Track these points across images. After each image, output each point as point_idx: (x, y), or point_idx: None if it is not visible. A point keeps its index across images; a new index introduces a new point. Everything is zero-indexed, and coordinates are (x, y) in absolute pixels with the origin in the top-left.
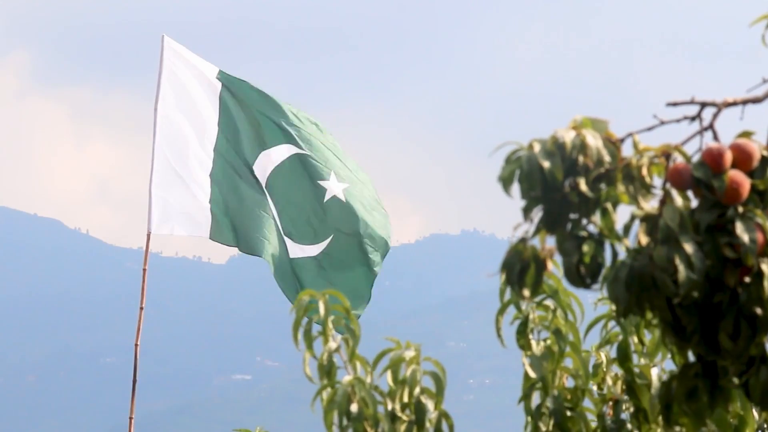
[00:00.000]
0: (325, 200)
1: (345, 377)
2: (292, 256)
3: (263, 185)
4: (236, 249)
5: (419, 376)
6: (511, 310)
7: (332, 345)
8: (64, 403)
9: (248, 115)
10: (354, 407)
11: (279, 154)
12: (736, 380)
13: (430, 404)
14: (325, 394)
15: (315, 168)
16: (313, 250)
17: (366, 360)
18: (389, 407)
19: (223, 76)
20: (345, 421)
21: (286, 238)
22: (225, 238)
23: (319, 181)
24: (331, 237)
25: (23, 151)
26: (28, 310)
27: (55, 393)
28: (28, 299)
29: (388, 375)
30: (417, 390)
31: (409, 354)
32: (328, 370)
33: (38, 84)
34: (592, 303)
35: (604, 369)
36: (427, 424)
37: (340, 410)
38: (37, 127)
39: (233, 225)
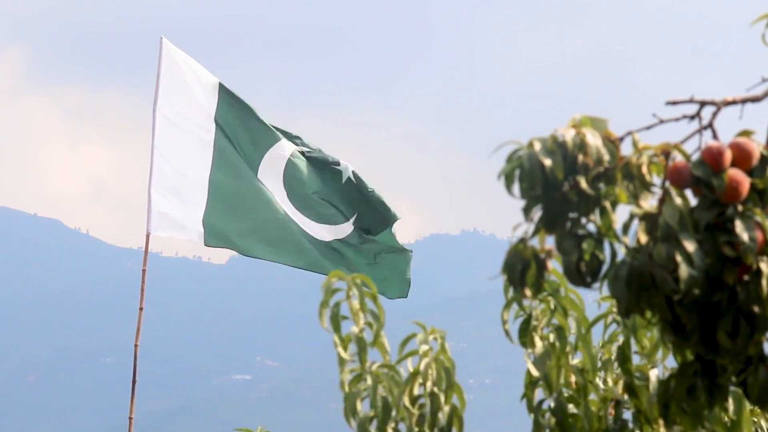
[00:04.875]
0: (342, 182)
1: (369, 363)
2: (329, 239)
3: (280, 178)
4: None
5: (440, 365)
6: (514, 307)
7: (355, 329)
8: (64, 403)
9: (247, 117)
10: (380, 396)
11: (284, 149)
12: (734, 379)
13: (441, 398)
14: (349, 378)
15: (324, 156)
16: (345, 229)
17: (385, 347)
18: (402, 399)
19: (219, 84)
20: (376, 410)
21: (319, 224)
22: (223, 243)
23: (333, 166)
24: (356, 214)
25: (20, 150)
26: (28, 310)
27: (55, 393)
28: (28, 299)
29: (409, 362)
30: (429, 383)
31: (424, 347)
32: (359, 350)
33: (32, 82)
34: (593, 301)
35: (612, 365)
36: (440, 417)
37: (372, 399)
38: (33, 126)
39: (237, 229)
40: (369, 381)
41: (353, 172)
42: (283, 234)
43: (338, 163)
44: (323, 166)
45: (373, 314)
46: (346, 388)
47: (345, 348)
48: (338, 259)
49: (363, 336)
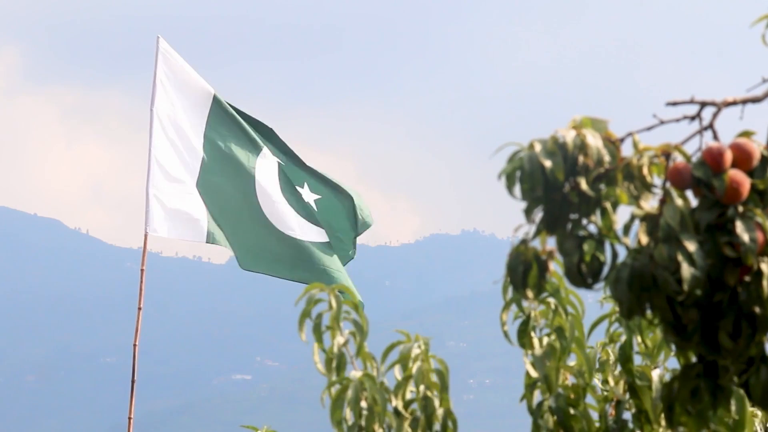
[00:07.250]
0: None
1: (353, 372)
2: (312, 240)
3: (275, 180)
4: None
5: (427, 371)
6: (513, 308)
7: (340, 339)
8: (64, 403)
9: (240, 120)
10: (364, 404)
11: (266, 158)
12: (736, 380)
13: (435, 401)
14: (333, 390)
15: (292, 175)
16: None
17: (373, 356)
18: (394, 404)
19: (213, 94)
20: (356, 418)
21: (304, 221)
22: (222, 243)
23: (297, 187)
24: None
25: (19, 150)
26: (28, 310)
27: (55, 393)
28: (28, 299)
29: (396, 370)
30: (422, 387)
31: (416, 351)
32: (337, 365)
33: (29, 82)
34: (596, 301)
35: (612, 366)
36: (434, 421)
37: (351, 408)
38: (31, 125)
39: (225, 232)
40: (350, 392)
41: (318, 202)
42: (268, 243)
43: (300, 185)
44: (292, 182)
45: (356, 324)
46: (331, 399)
47: (330, 361)
48: (325, 259)
49: (346, 349)
